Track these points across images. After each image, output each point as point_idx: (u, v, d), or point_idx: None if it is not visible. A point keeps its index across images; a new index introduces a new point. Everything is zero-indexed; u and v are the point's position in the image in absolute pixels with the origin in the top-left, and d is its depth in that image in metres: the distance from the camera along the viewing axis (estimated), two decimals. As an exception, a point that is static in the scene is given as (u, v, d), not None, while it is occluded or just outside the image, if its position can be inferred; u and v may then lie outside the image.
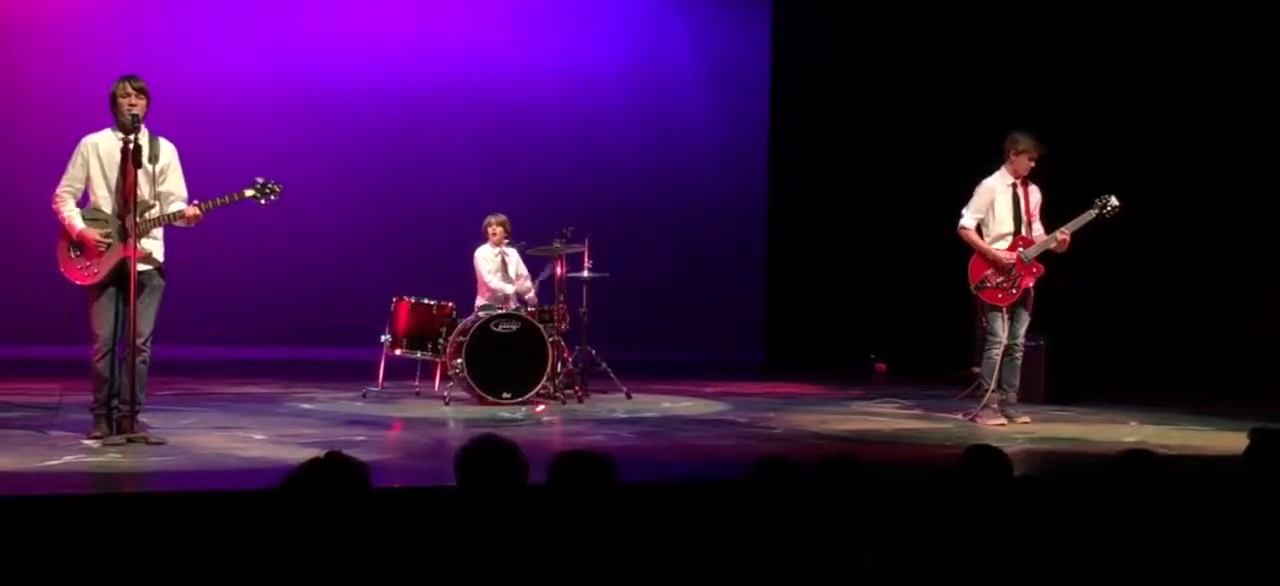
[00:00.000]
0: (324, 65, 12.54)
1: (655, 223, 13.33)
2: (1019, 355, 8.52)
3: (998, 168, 8.51)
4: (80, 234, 6.58)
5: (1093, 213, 8.38)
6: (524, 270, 9.85)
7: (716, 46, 13.92)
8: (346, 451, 3.47)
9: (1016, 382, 8.54)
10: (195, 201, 6.67)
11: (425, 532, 3.42)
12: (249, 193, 6.85)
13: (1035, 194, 8.54)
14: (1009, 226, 8.43)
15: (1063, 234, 8.34)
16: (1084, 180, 9.08)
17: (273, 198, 6.91)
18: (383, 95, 12.65)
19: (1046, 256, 8.43)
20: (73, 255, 6.64)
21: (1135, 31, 11.24)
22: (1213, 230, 10.97)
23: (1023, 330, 8.50)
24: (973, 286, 8.44)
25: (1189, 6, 10.95)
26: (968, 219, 8.47)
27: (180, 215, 6.63)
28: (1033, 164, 8.43)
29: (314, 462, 3.31)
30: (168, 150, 6.75)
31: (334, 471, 3.30)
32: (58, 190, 6.67)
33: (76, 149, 6.70)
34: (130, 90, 6.55)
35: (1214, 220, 10.96)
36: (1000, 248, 8.40)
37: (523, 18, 13.26)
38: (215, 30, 12.23)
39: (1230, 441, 6.94)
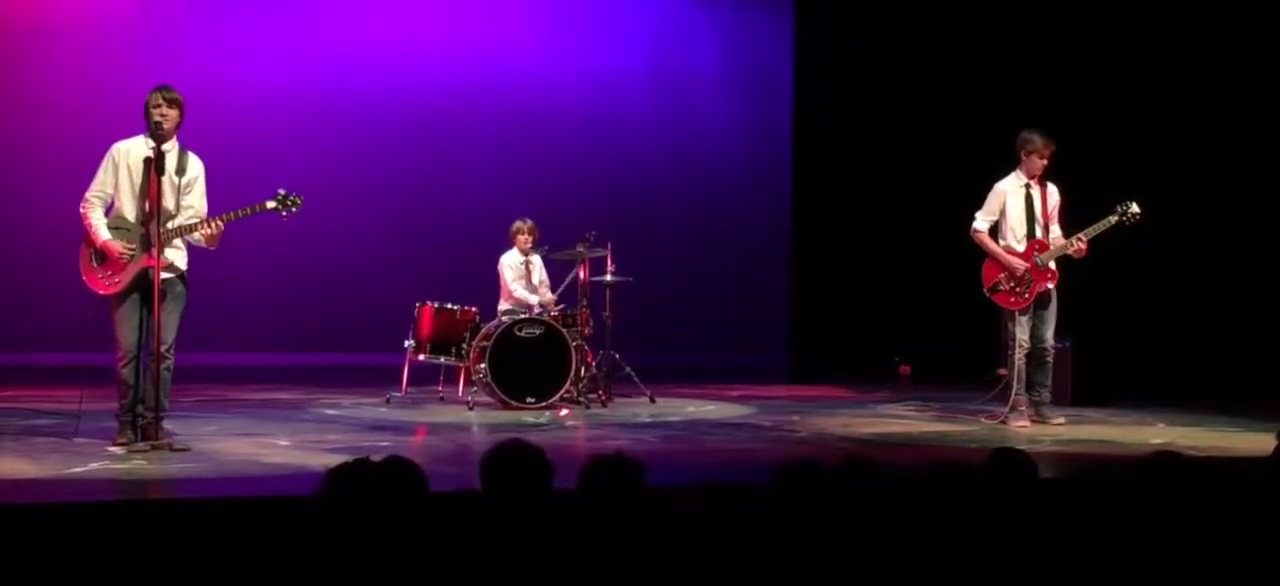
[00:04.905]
0: (346, 71, 12.56)
1: (678, 226, 13.30)
2: (1049, 357, 8.47)
3: (1012, 169, 8.48)
4: (103, 244, 6.60)
5: (1113, 218, 8.31)
6: (546, 279, 9.85)
7: (739, 49, 13.89)
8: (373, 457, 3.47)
9: (1049, 384, 8.50)
10: (215, 216, 6.67)
11: (451, 537, 3.41)
12: (271, 204, 6.86)
13: (1053, 195, 8.46)
14: (1023, 230, 8.38)
15: (1081, 241, 8.27)
16: (1109, 179, 9.02)
17: (294, 210, 6.91)
18: (405, 100, 12.67)
19: (1065, 260, 8.38)
20: (95, 264, 6.66)
21: (1162, 27, 11.16)
22: (1240, 228, 10.88)
23: (1049, 332, 8.44)
24: (986, 290, 8.41)
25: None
26: (980, 222, 8.47)
27: (195, 229, 6.63)
28: (1045, 162, 8.37)
29: (370, 465, 3.28)
30: (196, 165, 6.78)
31: (395, 475, 3.28)
32: (86, 194, 6.69)
33: (107, 154, 6.73)
34: (161, 100, 6.58)
35: (1241, 218, 10.86)
36: (1015, 251, 8.36)
37: (545, 22, 13.26)
38: (238, 36, 12.26)
39: (1259, 442, 6.89)
